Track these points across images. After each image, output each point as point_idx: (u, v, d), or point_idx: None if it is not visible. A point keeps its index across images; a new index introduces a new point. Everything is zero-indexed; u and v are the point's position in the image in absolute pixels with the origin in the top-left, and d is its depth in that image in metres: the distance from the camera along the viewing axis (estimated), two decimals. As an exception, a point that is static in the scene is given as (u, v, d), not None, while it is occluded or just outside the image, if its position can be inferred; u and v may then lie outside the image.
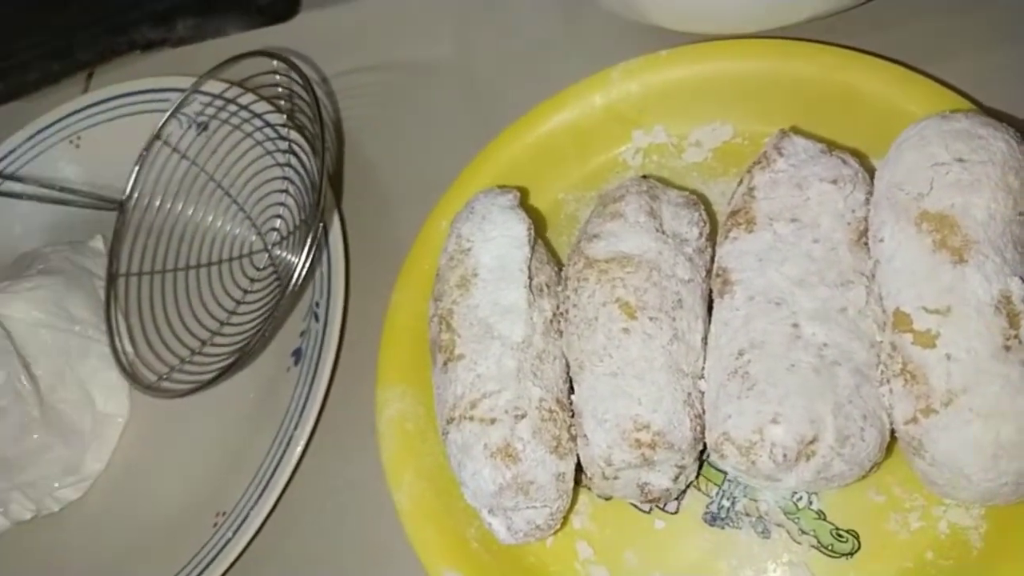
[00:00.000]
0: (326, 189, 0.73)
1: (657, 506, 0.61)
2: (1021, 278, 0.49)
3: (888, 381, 0.52)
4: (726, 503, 0.60)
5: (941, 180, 0.51)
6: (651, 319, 0.56)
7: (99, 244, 0.90)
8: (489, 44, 0.85)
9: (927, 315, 0.49)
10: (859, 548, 0.56)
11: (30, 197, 0.91)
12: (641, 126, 0.72)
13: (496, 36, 0.85)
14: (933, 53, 0.66)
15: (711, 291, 0.59)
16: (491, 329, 0.60)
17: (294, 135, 0.81)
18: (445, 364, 0.61)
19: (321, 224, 0.69)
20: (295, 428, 0.70)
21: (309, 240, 0.69)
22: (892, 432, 0.53)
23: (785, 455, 0.51)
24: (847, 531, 0.57)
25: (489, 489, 0.56)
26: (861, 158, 0.60)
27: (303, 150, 0.79)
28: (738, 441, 0.52)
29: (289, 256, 0.79)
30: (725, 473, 0.61)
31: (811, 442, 0.51)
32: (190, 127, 0.89)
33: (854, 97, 0.65)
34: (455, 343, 0.60)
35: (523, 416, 0.57)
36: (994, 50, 0.67)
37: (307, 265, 0.69)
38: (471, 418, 0.58)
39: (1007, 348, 0.48)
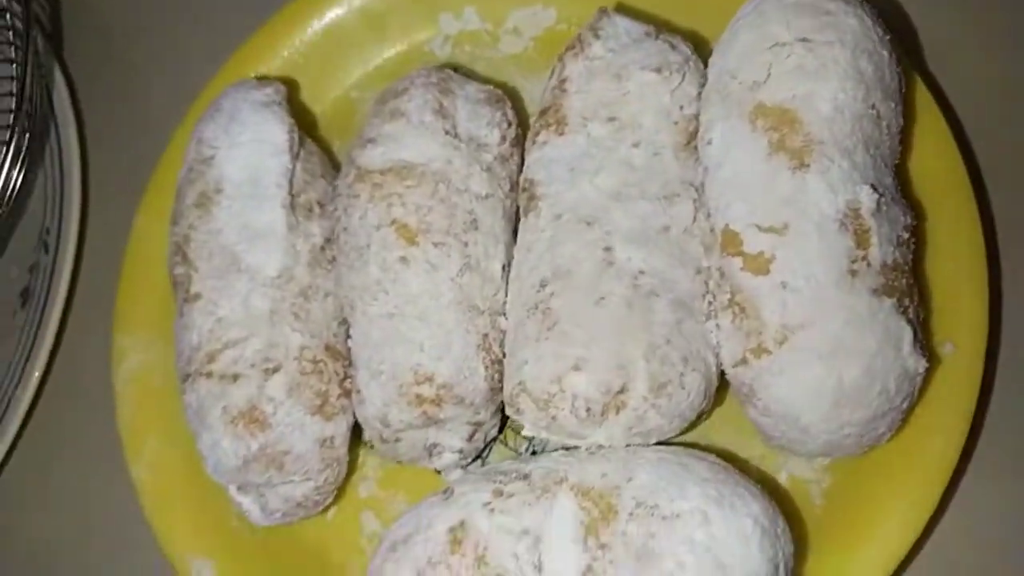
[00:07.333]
0: (34, 84, 0.56)
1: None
2: (872, 186, 0.40)
3: (715, 315, 0.42)
4: (537, 461, 0.50)
5: (781, 65, 0.41)
6: (436, 245, 0.45)
7: None
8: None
9: (760, 234, 0.40)
10: (686, 507, 0.48)
11: None
12: (449, 9, 0.59)
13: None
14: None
15: (519, 209, 0.48)
16: (237, 260, 0.47)
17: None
18: (183, 305, 0.48)
19: (26, 132, 0.54)
20: (15, 388, 0.56)
21: (10, 152, 0.53)
22: (722, 374, 0.44)
23: (589, 408, 0.41)
24: (673, 489, 0.48)
25: (231, 463, 0.44)
26: (700, 45, 0.50)
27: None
28: (535, 393, 0.42)
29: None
30: (538, 426, 0.51)
31: (620, 392, 0.41)
32: None
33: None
34: (191, 279, 0.47)
35: (276, 370, 0.45)
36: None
37: (15, 185, 0.53)
38: (208, 374, 0.45)
39: (853, 273, 0.39)
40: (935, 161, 0.47)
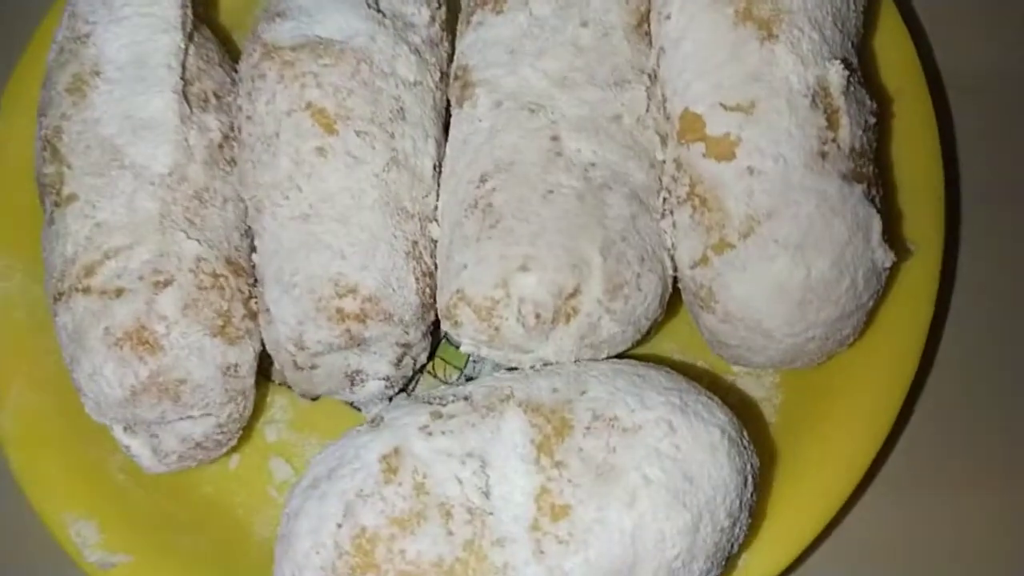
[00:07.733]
0: None
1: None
2: (843, 61, 0.37)
3: (671, 212, 0.39)
4: (472, 391, 0.45)
5: (746, -72, 0.37)
6: (358, 134, 0.39)
7: None
8: None
9: (725, 114, 0.36)
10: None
11: None
12: None
13: None
14: None
15: (450, 102, 0.43)
16: (119, 155, 0.40)
17: None
18: (52, 212, 0.40)
19: None
20: None
21: None
22: (674, 281, 0.40)
23: (538, 315, 0.36)
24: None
25: (116, 395, 0.38)
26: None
27: None
28: (476, 300, 0.37)
29: None
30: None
31: (572, 295, 0.36)
32: None
33: None
34: (63, 178, 0.40)
35: (168, 283, 0.39)
36: None
37: None
38: (86, 290, 0.38)
39: (823, 155, 0.36)
40: (893, 59, 0.44)
